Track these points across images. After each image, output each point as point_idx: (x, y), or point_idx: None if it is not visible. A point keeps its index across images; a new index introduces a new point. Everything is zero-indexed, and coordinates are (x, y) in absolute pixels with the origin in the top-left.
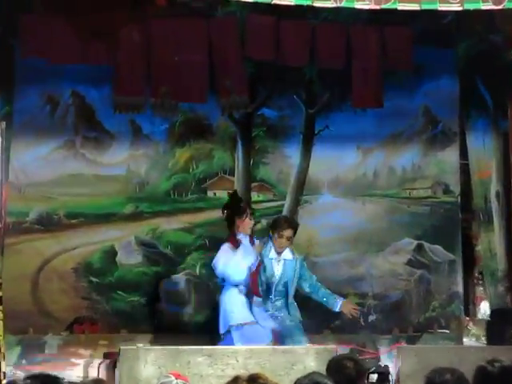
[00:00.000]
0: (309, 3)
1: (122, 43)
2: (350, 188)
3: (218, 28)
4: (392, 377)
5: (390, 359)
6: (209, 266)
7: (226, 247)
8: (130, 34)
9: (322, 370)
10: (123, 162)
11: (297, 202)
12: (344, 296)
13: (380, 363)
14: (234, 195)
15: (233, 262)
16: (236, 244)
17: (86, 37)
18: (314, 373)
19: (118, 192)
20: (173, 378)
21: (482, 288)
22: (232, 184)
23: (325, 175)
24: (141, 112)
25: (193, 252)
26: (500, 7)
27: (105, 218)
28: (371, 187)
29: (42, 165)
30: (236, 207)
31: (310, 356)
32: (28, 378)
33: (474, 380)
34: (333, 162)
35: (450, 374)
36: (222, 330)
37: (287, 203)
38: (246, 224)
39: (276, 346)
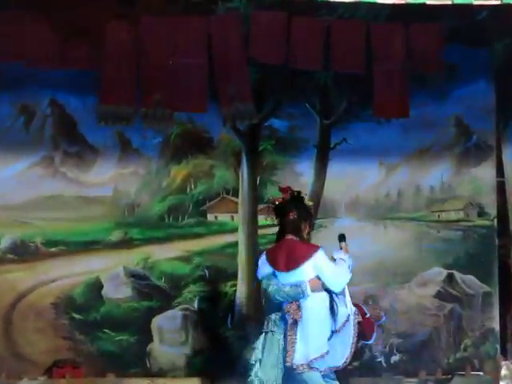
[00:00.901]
0: None
1: (108, 44)
2: (370, 210)
3: (218, 26)
4: None
5: None
6: (208, 300)
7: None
8: (118, 33)
9: None
10: (110, 182)
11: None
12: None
13: None
14: (298, 195)
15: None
16: None
17: (66, 37)
18: None
19: (103, 216)
20: None
21: None
22: (236, 206)
23: (342, 196)
24: (130, 124)
25: (190, 284)
26: None
27: (89, 245)
28: (395, 209)
29: (15, 184)
30: (303, 209)
31: None
32: None
33: None
34: (351, 180)
35: None
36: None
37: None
38: (307, 231)
39: None
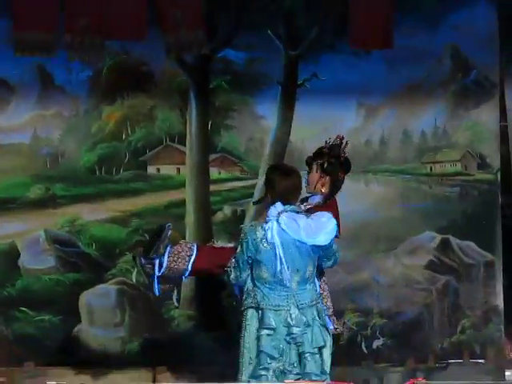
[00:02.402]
0: None
1: None
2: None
3: None
4: None
5: None
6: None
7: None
8: None
9: None
10: (27, 126)
11: None
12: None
13: None
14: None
15: None
16: None
17: None
18: None
19: (20, 168)
20: None
21: None
22: (182, 156)
23: (313, 144)
24: (52, 54)
25: (127, 252)
26: None
27: (1, 204)
28: (378, 160)
29: None
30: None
31: None
32: None
33: None
34: (324, 124)
35: None
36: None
37: (260, 183)
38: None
39: None
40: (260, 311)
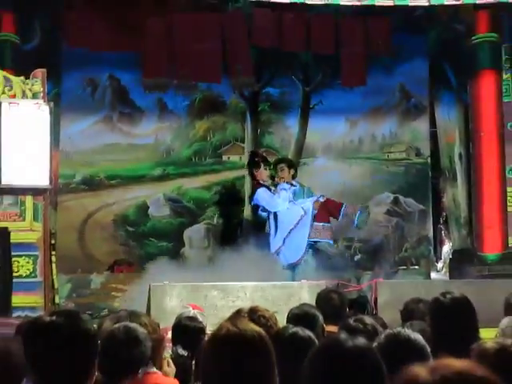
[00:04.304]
0: (301, 1)
1: (149, 33)
2: (339, 153)
3: (228, 20)
4: (370, 305)
5: (370, 291)
6: (224, 217)
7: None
8: (155, 25)
9: (313, 301)
10: (152, 133)
11: (296, 164)
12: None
13: (361, 294)
14: (251, 153)
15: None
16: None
17: (118, 28)
18: (304, 304)
19: (148, 158)
20: (190, 308)
21: (447, 232)
22: (242, 150)
23: (319, 142)
24: (166, 91)
25: (211, 206)
26: (459, 2)
27: (138, 179)
28: (356, 152)
29: (85, 136)
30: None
31: (304, 290)
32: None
33: (431, 309)
34: (325, 131)
35: (423, 303)
36: None
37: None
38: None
39: (276, 282)
40: None
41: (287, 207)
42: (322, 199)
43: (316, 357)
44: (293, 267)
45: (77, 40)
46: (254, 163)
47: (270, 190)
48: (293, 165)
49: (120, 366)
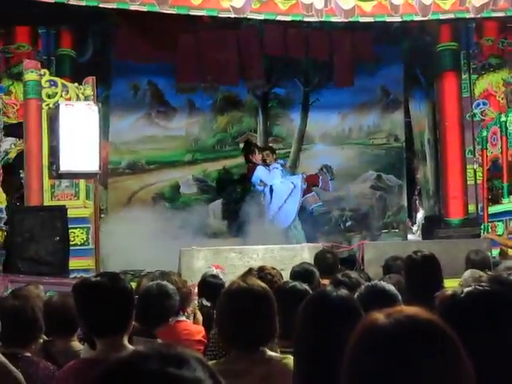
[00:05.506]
0: (301, 19)
1: (180, 46)
2: (333, 140)
3: (244, 35)
4: (358, 263)
5: (358, 251)
6: (240, 193)
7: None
8: (186, 40)
9: (312, 260)
10: (183, 127)
11: (299, 150)
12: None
13: (351, 253)
14: (246, 142)
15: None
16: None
17: (156, 43)
18: (304, 262)
19: (179, 146)
20: (213, 268)
21: (420, 202)
22: (256, 139)
23: (316, 131)
24: (194, 93)
25: (230, 185)
26: (426, 18)
27: (172, 163)
28: (348, 139)
29: (129, 130)
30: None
31: (305, 251)
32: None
33: (405, 264)
34: (322, 122)
35: (400, 260)
36: None
37: (292, 150)
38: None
39: (283, 245)
40: None
41: (280, 181)
42: (304, 176)
43: (307, 304)
44: (292, 230)
45: (123, 53)
46: (250, 150)
47: (266, 168)
48: (274, 151)
49: (154, 316)
